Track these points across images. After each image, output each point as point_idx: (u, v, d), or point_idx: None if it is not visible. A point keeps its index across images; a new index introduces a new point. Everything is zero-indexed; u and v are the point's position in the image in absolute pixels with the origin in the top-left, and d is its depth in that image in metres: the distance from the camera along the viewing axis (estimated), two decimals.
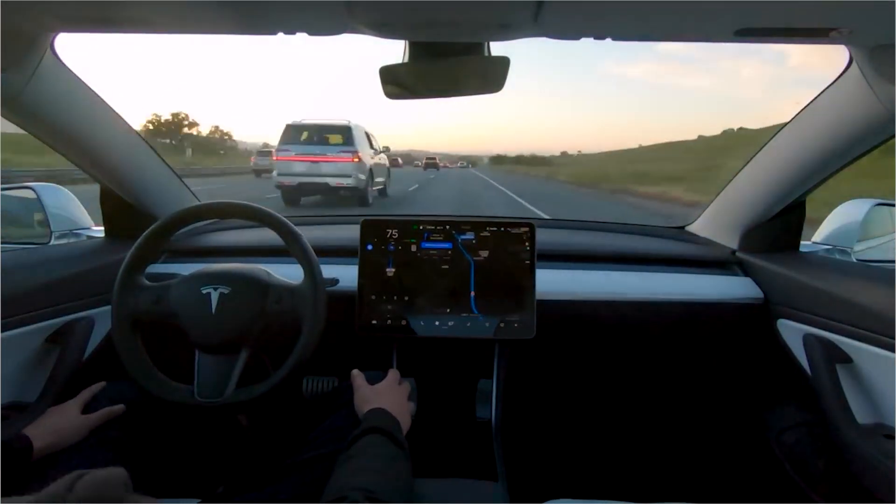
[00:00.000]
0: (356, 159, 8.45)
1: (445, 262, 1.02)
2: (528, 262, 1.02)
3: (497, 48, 0.74)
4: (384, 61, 0.75)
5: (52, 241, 1.28)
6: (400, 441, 0.71)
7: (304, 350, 0.85)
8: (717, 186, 1.27)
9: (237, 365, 0.86)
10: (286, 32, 0.66)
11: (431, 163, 46.60)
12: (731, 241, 1.22)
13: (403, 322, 1.01)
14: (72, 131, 0.94)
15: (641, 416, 1.48)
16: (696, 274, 1.15)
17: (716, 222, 1.28)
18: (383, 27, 0.66)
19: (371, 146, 9.38)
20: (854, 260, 1.27)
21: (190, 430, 0.99)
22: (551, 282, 1.07)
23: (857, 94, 0.80)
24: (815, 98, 0.92)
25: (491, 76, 0.77)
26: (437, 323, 1.01)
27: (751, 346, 1.17)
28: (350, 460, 0.64)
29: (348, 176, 8.39)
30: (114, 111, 1.02)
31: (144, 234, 0.89)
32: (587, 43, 0.67)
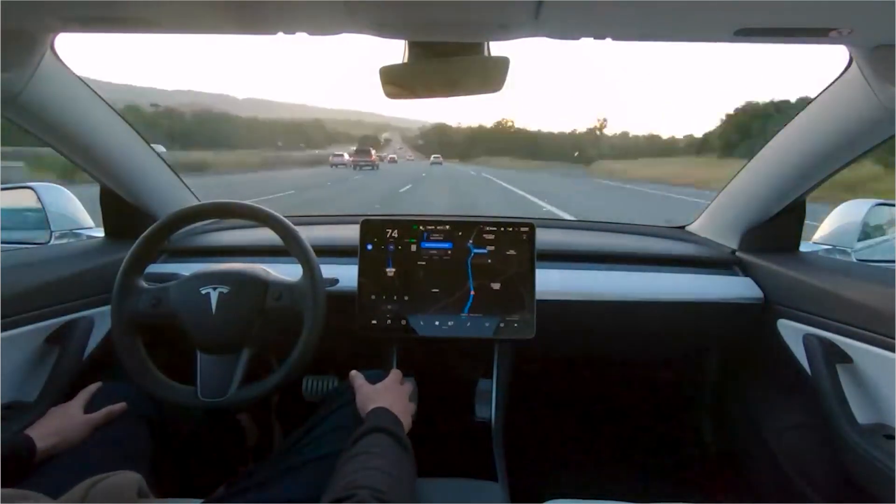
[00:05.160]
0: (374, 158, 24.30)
1: (445, 261, 1.02)
2: (528, 261, 1.01)
3: (497, 48, 0.74)
4: (384, 61, 0.75)
5: (52, 241, 1.29)
6: (404, 441, 0.71)
7: (305, 348, 0.85)
8: None
9: (239, 364, 0.86)
10: (286, 32, 0.66)
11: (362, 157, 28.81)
12: (731, 241, 1.22)
13: (403, 322, 1.01)
14: (72, 131, 0.94)
15: (641, 415, 1.48)
16: (696, 274, 1.15)
17: (716, 222, 1.28)
18: (383, 27, 0.66)
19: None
20: (854, 260, 1.28)
21: (190, 430, 0.99)
22: (551, 282, 1.07)
23: (857, 94, 0.80)
24: (815, 98, 0.92)
25: (491, 76, 0.77)
26: (436, 323, 1.01)
27: (751, 346, 1.17)
28: (354, 458, 0.64)
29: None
30: (114, 111, 1.02)
31: (143, 235, 0.89)
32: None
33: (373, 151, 28.82)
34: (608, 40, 0.67)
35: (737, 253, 1.19)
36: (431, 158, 51.06)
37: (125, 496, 0.41)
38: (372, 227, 1.03)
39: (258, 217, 0.91)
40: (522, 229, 1.02)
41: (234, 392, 0.84)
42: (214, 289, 0.87)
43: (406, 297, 1.02)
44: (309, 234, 0.91)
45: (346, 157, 30.76)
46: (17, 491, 0.44)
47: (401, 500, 0.58)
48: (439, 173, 26.87)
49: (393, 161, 45.16)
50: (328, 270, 0.93)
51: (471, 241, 1.02)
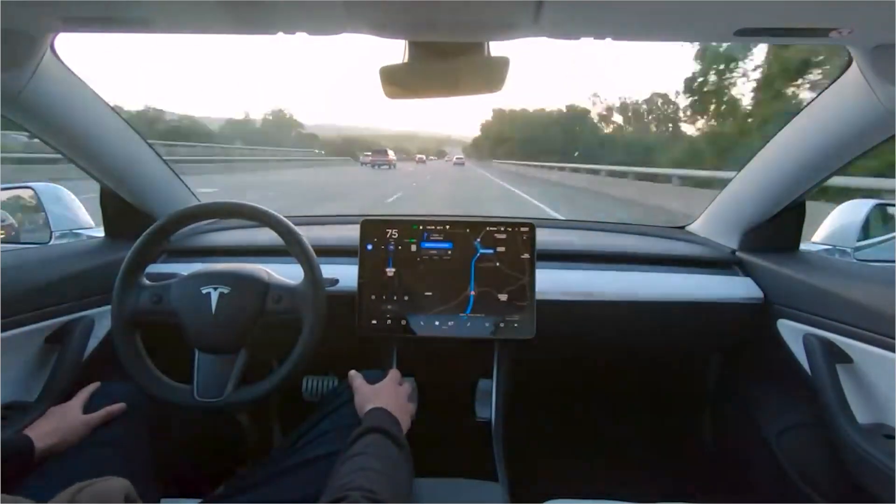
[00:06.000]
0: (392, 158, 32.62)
1: (445, 261, 1.02)
2: (528, 261, 1.01)
3: (497, 48, 0.74)
4: (384, 61, 0.75)
5: (52, 241, 1.28)
6: (401, 441, 0.71)
7: (305, 350, 0.85)
8: None
9: (237, 365, 0.86)
10: (286, 32, 0.66)
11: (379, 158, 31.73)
12: (731, 241, 1.22)
13: (403, 322, 1.01)
14: (72, 131, 0.94)
15: (641, 415, 1.48)
16: (696, 274, 1.15)
17: (716, 222, 1.28)
18: (383, 27, 0.66)
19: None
20: (854, 260, 1.27)
21: (190, 430, 0.99)
22: (551, 282, 1.07)
23: (857, 94, 0.80)
24: (815, 98, 0.92)
25: (491, 76, 0.77)
26: (436, 323, 1.01)
27: (751, 346, 1.17)
28: (350, 459, 0.64)
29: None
30: (114, 111, 1.02)
31: (144, 234, 0.89)
32: None
33: (390, 152, 33.71)
34: (608, 40, 0.67)
35: (737, 253, 1.19)
36: (455, 159, 49.61)
37: (112, 502, 0.41)
38: (372, 228, 1.03)
39: (259, 217, 0.91)
40: (522, 229, 1.02)
41: (229, 393, 0.84)
42: (215, 289, 0.87)
43: (406, 298, 1.02)
44: (309, 234, 0.91)
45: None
46: (8, 498, 0.44)
47: (395, 501, 0.58)
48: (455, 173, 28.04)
49: (421, 161, 49.47)
50: (328, 270, 0.93)
51: (478, 241, 1.02)
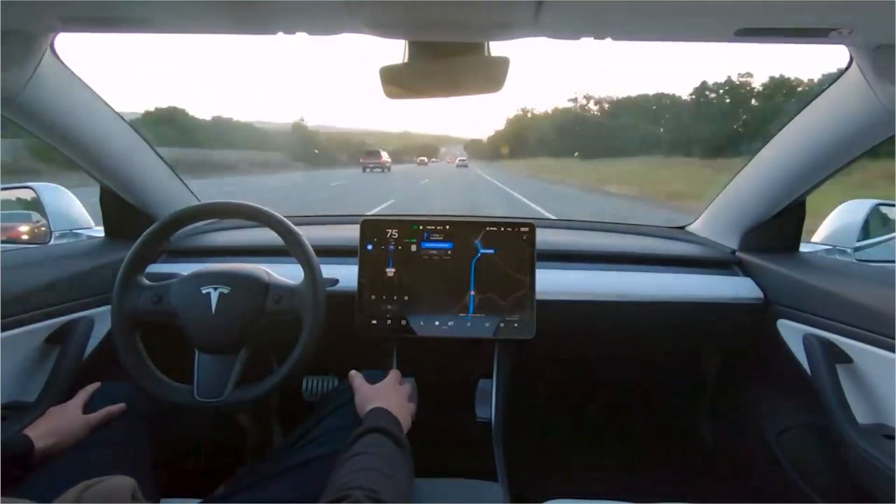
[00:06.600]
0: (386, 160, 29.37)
1: (445, 261, 1.02)
2: (528, 261, 1.01)
3: (497, 48, 0.74)
4: (384, 61, 0.75)
5: (52, 241, 1.29)
6: (401, 441, 0.71)
7: (304, 350, 0.85)
8: None
9: (236, 365, 0.86)
10: (286, 32, 0.66)
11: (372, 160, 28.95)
12: (731, 241, 1.22)
13: (403, 322, 1.01)
14: (71, 131, 0.94)
15: (641, 415, 1.48)
16: (696, 274, 1.15)
17: (716, 222, 1.29)
18: (383, 27, 0.66)
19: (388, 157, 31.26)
20: (854, 260, 1.28)
21: (190, 429, 0.99)
22: (551, 282, 1.07)
23: (857, 94, 0.80)
24: (815, 98, 0.92)
25: (491, 76, 0.77)
26: (436, 323, 1.01)
27: (751, 346, 1.17)
28: (351, 459, 0.64)
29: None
30: (114, 111, 1.02)
31: (144, 233, 0.89)
32: None
33: (383, 153, 31.20)
34: (608, 40, 0.67)
35: (737, 253, 1.19)
36: (457, 160, 47.79)
37: (118, 500, 0.41)
38: (372, 228, 1.03)
39: (259, 217, 0.91)
40: (523, 229, 1.02)
41: (229, 393, 0.84)
42: (215, 289, 0.87)
43: (406, 298, 1.02)
44: (309, 235, 0.91)
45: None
46: (9, 499, 0.44)
47: (397, 501, 0.58)
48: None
49: (423, 163, 48.55)
50: (328, 270, 0.93)
51: (478, 241, 1.02)
